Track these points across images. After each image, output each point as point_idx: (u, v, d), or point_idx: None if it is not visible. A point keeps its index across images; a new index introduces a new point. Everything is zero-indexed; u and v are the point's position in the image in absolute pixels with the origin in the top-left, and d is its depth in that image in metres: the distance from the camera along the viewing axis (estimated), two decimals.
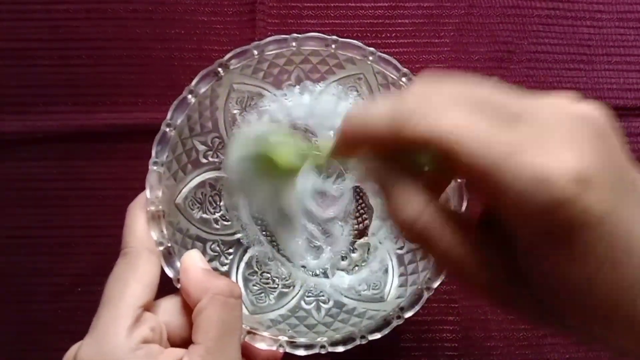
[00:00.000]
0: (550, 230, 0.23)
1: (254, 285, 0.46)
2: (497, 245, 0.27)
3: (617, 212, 0.23)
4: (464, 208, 0.40)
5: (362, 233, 0.49)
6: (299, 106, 0.44)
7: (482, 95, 0.26)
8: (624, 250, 0.24)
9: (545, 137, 0.24)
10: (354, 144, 0.29)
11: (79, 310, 0.50)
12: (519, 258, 0.26)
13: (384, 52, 0.42)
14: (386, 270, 0.46)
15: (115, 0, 0.52)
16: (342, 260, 0.48)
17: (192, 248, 0.41)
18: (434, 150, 0.25)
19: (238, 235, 0.47)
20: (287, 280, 0.46)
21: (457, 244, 0.27)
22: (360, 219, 0.49)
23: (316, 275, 0.47)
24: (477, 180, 0.24)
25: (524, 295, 0.27)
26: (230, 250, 0.46)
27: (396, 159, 0.28)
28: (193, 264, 0.37)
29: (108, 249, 0.50)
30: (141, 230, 0.38)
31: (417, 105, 0.26)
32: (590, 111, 0.25)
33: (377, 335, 0.39)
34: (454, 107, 0.25)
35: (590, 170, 0.23)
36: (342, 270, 0.48)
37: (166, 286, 0.38)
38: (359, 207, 0.49)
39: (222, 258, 0.46)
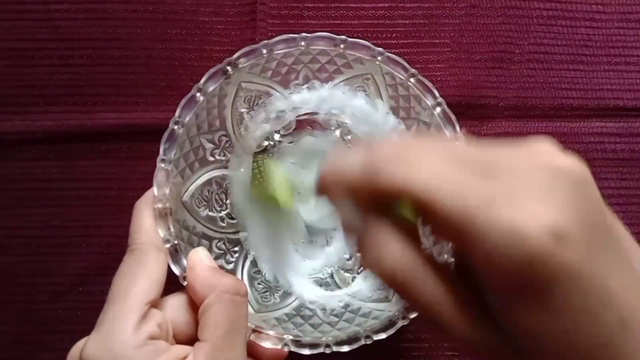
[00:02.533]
0: (525, 285, 0.23)
1: (259, 283, 0.46)
2: (474, 296, 0.26)
3: (592, 266, 0.23)
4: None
5: None
6: (306, 102, 0.44)
7: (455, 148, 0.26)
8: (600, 304, 0.23)
9: (521, 190, 0.23)
10: (332, 189, 0.28)
11: (79, 310, 0.50)
12: (496, 309, 0.25)
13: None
14: None
15: (116, 0, 0.52)
16: (348, 260, 0.48)
17: (198, 246, 0.41)
18: (408, 200, 0.24)
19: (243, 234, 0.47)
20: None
21: (441, 295, 0.25)
22: None
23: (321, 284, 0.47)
24: (451, 231, 0.24)
25: (505, 345, 0.26)
26: (236, 249, 0.46)
27: (374, 208, 0.27)
28: (200, 261, 0.37)
29: (108, 249, 0.50)
30: (148, 227, 0.38)
31: (391, 155, 0.25)
32: (567, 163, 0.24)
33: (382, 336, 0.39)
34: (427, 158, 0.24)
35: (565, 225, 0.22)
36: (348, 270, 0.48)
37: (171, 285, 0.38)
38: None
39: (228, 256, 0.45)
